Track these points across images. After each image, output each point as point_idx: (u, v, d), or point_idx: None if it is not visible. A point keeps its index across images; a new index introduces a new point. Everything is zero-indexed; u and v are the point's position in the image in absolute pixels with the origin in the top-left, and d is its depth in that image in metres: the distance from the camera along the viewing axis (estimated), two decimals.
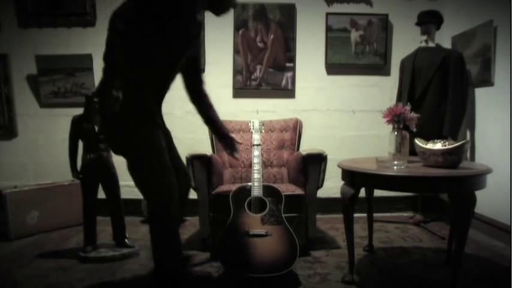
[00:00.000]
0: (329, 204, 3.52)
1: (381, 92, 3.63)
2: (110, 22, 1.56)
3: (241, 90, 3.61)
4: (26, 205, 3.06)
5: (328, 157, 2.61)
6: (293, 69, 3.58)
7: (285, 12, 3.53)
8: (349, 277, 2.12)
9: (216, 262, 2.36)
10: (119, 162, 2.84)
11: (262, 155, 2.87)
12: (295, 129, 3.10)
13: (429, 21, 3.13)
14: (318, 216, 2.80)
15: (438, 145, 2.01)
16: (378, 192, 2.60)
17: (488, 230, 2.88)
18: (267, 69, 3.55)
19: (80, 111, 2.58)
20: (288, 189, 2.56)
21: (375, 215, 2.69)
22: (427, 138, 2.13)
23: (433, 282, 2.13)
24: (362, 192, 2.11)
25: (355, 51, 3.58)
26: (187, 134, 3.53)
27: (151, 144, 1.71)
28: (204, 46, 3.52)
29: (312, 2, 3.56)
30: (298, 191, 2.55)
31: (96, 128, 2.52)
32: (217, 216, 2.49)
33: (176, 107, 3.43)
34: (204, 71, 3.59)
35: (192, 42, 1.82)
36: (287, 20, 3.54)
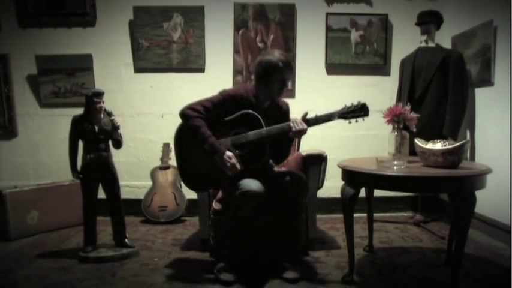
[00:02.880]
0: (329, 204, 3.52)
1: (380, 92, 3.62)
2: None
3: None
4: (26, 205, 3.06)
5: (328, 157, 2.60)
6: (293, 69, 3.58)
7: (285, 12, 3.53)
8: (349, 277, 2.12)
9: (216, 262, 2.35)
10: (119, 163, 2.86)
11: None
12: None
13: (429, 21, 3.13)
14: (318, 216, 2.80)
15: (438, 145, 2.01)
16: (378, 192, 2.60)
17: (488, 230, 2.88)
18: None
19: (80, 111, 2.57)
20: None
21: (375, 215, 2.69)
22: (427, 138, 2.13)
23: (433, 282, 2.13)
24: (362, 192, 2.11)
25: (355, 51, 3.58)
26: None
27: None
28: (204, 46, 3.53)
29: (312, 2, 3.56)
30: None
31: (96, 128, 2.51)
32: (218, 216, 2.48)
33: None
34: (204, 71, 3.59)
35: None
36: (287, 20, 3.54)
